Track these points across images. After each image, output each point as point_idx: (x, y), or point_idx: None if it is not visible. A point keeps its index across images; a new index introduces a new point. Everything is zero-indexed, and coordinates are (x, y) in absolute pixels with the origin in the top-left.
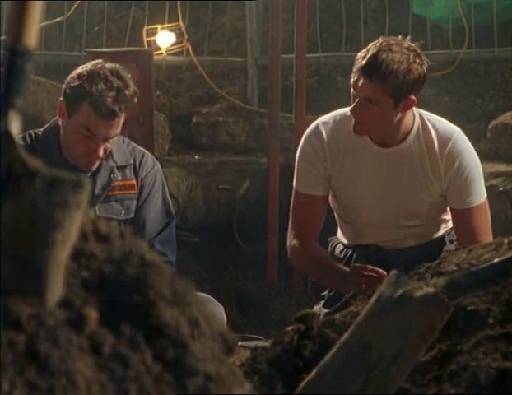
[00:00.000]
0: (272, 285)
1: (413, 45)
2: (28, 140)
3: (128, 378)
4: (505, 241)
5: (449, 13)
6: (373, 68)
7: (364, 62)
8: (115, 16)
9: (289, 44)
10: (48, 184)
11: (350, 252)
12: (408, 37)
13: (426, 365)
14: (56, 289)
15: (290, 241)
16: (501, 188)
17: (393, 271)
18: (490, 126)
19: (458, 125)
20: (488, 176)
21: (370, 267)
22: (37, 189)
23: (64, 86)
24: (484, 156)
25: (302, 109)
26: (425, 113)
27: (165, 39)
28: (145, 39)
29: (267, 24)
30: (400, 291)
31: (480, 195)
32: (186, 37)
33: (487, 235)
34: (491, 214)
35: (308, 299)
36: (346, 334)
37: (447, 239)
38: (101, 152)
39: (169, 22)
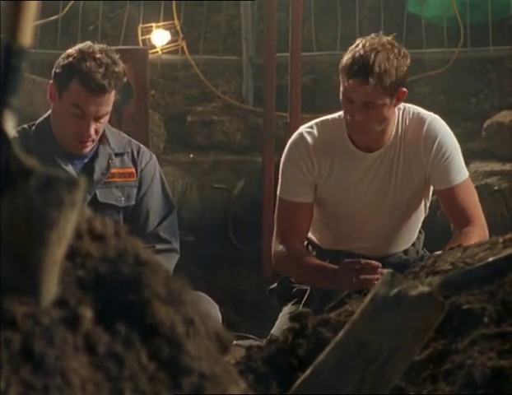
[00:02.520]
0: (266, 283)
1: (390, 39)
2: (22, 133)
3: (123, 377)
4: (500, 240)
5: (444, 11)
6: (367, 72)
7: (355, 67)
8: (110, 14)
9: (284, 43)
10: (43, 183)
11: (331, 256)
12: (380, 31)
13: (421, 364)
14: (51, 288)
15: (276, 247)
16: (496, 187)
17: (388, 271)
18: (485, 125)
19: (453, 124)
20: (483, 175)
21: (363, 260)
22: (32, 188)
23: (54, 68)
24: (479, 155)
25: (297, 107)
26: (402, 105)
27: (160, 37)
28: (140, 38)
29: (262, 23)
30: (395, 290)
31: (462, 173)
32: (181, 36)
33: (476, 209)
34: (486, 213)
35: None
36: (342, 333)
37: (418, 246)
38: (92, 132)
39: (164, 21)
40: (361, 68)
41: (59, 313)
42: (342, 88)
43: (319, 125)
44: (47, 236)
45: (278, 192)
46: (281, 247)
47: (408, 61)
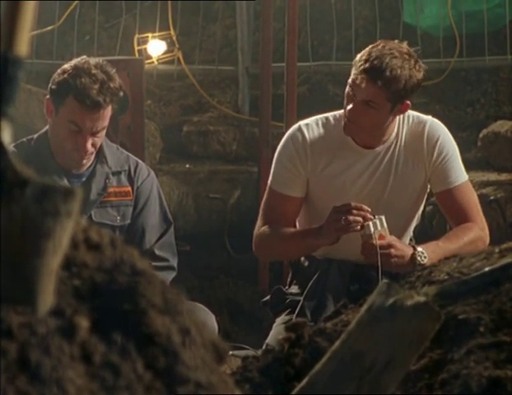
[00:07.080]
0: (262, 293)
1: (411, 51)
2: (21, 148)
3: (119, 387)
4: (496, 250)
5: (440, 22)
6: (377, 72)
7: (367, 65)
8: (106, 24)
9: (280, 53)
10: (39, 193)
11: (322, 266)
12: (405, 42)
13: (417, 374)
14: (47, 297)
15: (257, 232)
16: (492, 197)
17: (384, 280)
18: (481, 135)
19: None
20: (479, 185)
21: (337, 206)
22: (28, 198)
23: (50, 84)
24: (475, 165)
25: (293, 117)
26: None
27: (156, 47)
28: (136, 48)
29: (257, 33)
30: (391, 300)
31: (461, 174)
32: (177, 46)
33: (477, 211)
34: None
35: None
36: (338, 342)
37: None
38: (89, 146)
39: (160, 31)
40: (373, 68)
41: (55, 322)
42: (350, 81)
43: (318, 121)
44: (43, 246)
45: (269, 183)
46: (262, 229)
47: (421, 75)
